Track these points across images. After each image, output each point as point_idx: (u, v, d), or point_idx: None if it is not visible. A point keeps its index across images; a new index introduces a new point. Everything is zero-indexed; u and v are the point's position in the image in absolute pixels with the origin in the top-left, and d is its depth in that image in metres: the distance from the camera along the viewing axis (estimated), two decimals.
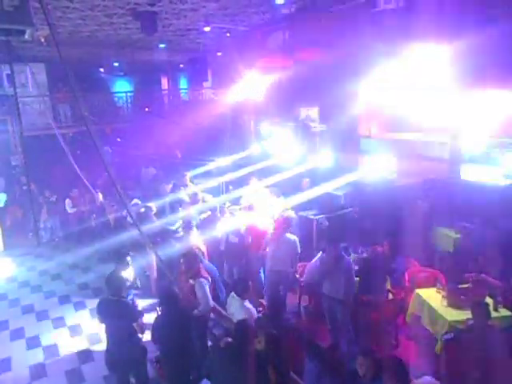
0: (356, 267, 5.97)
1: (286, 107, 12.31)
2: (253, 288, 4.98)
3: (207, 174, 11.23)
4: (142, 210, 8.07)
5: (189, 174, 10.27)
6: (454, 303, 5.20)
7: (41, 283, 8.25)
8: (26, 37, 4.82)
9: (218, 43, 13.26)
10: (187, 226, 7.00)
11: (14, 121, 11.22)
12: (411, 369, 4.97)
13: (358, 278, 5.91)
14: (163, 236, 7.57)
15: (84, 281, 8.17)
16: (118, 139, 17.36)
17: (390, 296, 5.91)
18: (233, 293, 4.80)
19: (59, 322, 6.78)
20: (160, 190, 10.12)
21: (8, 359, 5.85)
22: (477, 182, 7.34)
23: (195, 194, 8.87)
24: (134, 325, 4.40)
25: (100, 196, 9.43)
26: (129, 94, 16.77)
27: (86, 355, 5.87)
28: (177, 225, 7.80)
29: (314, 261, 5.93)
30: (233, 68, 13.54)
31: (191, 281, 4.94)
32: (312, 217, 7.64)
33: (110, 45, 13.03)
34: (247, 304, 4.63)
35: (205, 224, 7.54)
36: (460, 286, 5.52)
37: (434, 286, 5.68)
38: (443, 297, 5.33)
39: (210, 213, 8.03)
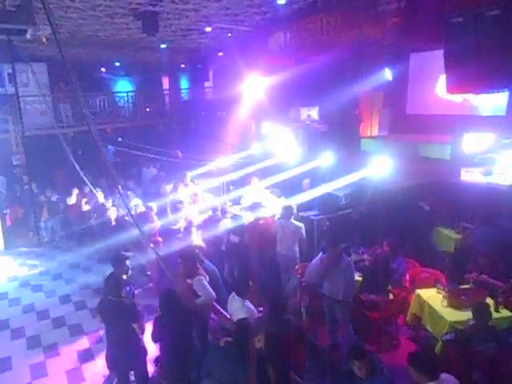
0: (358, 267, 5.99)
1: (287, 107, 12.34)
2: (253, 288, 4.97)
3: (208, 174, 11.24)
4: (143, 209, 8.08)
5: (190, 174, 10.28)
6: (454, 304, 5.19)
7: (41, 283, 8.26)
8: (28, 36, 4.83)
9: (219, 43, 13.28)
10: (188, 226, 7.01)
11: (15, 120, 11.23)
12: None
13: (359, 279, 5.93)
14: (164, 236, 7.59)
15: (85, 280, 8.18)
16: (120, 139, 17.40)
17: (391, 296, 5.91)
18: (233, 293, 4.81)
19: (60, 322, 6.79)
20: (161, 190, 10.13)
21: (8, 358, 5.86)
22: (477, 183, 7.34)
23: (196, 194, 8.88)
24: (134, 325, 4.40)
25: (101, 196, 9.44)
26: (130, 93, 16.78)
27: (86, 355, 5.88)
28: (178, 225, 7.82)
29: (314, 261, 5.94)
30: (234, 68, 13.56)
31: (189, 280, 4.95)
32: (313, 217, 7.64)
33: (112, 45, 13.06)
34: (248, 304, 4.63)
35: (205, 224, 7.55)
36: (461, 287, 5.52)
37: (434, 286, 5.66)
38: (444, 297, 5.32)
39: (210, 213, 8.04)
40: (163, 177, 11.81)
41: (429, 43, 7.44)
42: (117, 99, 16.58)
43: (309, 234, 7.14)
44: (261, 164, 10.39)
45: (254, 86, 12.43)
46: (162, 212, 8.21)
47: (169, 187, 10.07)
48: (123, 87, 19.27)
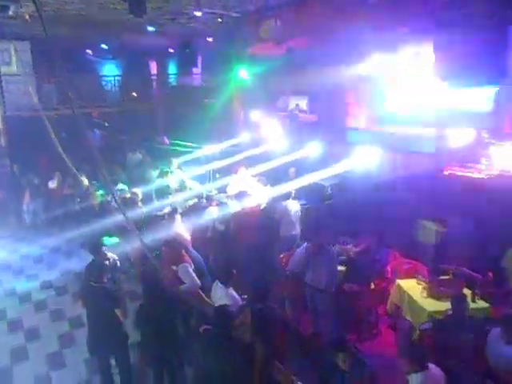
0: (341, 258, 6.06)
1: (276, 96, 12.27)
2: (237, 276, 4.98)
3: (195, 161, 11.16)
4: (128, 195, 8.01)
5: (176, 161, 10.20)
6: (433, 294, 5.30)
7: (23, 266, 8.16)
8: (11, 13, 4.68)
9: (208, 28, 13.07)
10: (173, 212, 6.97)
11: None
12: (390, 357, 5.12)
13: (343, 269, 6.00)
14: (149, 222, 7.54)
15: (67, 265, 8.09)
16: (106, 123, 17.13)
17: (372, 286, 6.00)
18: (217, 281, 4.82)
19: (41, 306, 6.74)
20: (146, 175, 10.04)
21: None
22: (460, 176, 7.46)
23: (182, 181, 8.83)
24: (117, 310, 4.39)
25: (85, 180, 9.31)
26: (117, 77, 16.47)
27: (67, 339, 5.86)
28: (163, 211, 7.77)
29: (299, 250, 5.99)
30: (223, 54, 13.41)
31: (174, 267, 4.94)
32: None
33: (98, 26, 12.74)
34: (231, 292, 4.65)
35: (191, 211, 7.52)
36: (440, 278, 5.64)
37: (415, 277, 5.78)
38: (423, 288, 5.43)
39: (196, 200, 8.01)
40: (149, 162, 11.69)
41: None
42: (103, 83, 16.26)
43: None
44: (248, 152, 10.37)
45: (243, 73, 12.32)
46: (147, 198, 8.16)
47: (155, 173, 9.99)
48: (110, 71, 18.88)
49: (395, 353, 5.26)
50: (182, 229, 6.61)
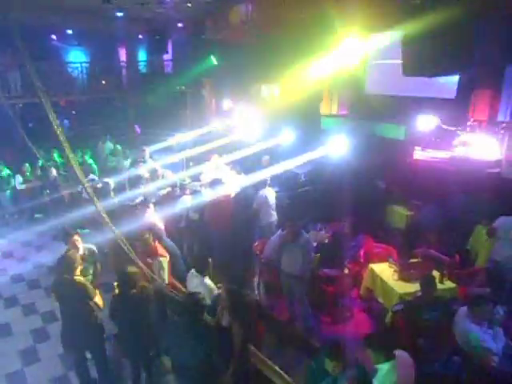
0: (315, 244, 6.15)
1: (248, 84, 12.20)
2: (212, 265, 5.00)
3: (167, 150, 11.01)
4: (100, 185, 7.85)
5: (148, 150, 10.03)
6: (404, 277, 5.48)
7: None
8: None
9: (178, 14, 12.79)
10: (144, 202, 6.88)
11: None
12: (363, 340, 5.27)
13: (317, 255, 6.10)
14: (122, 212, 7.42)
15: (38, 259, 7.88)
16: (73, 112, 16.61)
17: (346, 271, 6.14)
18: (193, 269, 4.82)
19: (12, 301, 6.56)
20: (118, 165, 9.85)
21: None
22: (428, 162, 7.69)
23: (155, 170, 8.70)
24: (91, 303, 4.33)
25: (53, 171, 9.05)
26: (84, 64, 15.93)
27: (40, 334, 5.75)
28: (136, 201, 7.66)
29: (273, 237, 6.04)
30: (194, 40, 13.18)
31: (149, 259, 4.91)
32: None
33: (64, 10, 12.24)
34: (207, 280, 4.66)
35: (164, 200, 7.45)
36: (410, 261, 5.83)
37: (387, 261, 5.94)
38: (395, 271, 5.60)
39: (169, 189, 7.93)
40: (120, 151, 11.45)
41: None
42: (70, 70, 15.70)
43: None
44: (221, 141, 10.30)
45: (215, 60, 12.17)
46: (119, 188, 8.01)
47: (126, 162, 9.80)
48: (77, 57, 18.23)
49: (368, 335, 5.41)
50: (155, 218, 6.55)
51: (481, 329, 4.05)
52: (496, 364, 3.96)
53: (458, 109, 7.93)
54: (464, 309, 4.24)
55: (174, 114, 13.58)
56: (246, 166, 8.81)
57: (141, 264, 4.49)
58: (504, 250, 5.59)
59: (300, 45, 8.68)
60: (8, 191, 9.96)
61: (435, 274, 5.30)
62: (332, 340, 4.03)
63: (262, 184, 7.42)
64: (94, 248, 5.42)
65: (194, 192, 7.60)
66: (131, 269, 4.31)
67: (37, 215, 9.46)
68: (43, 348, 5.48)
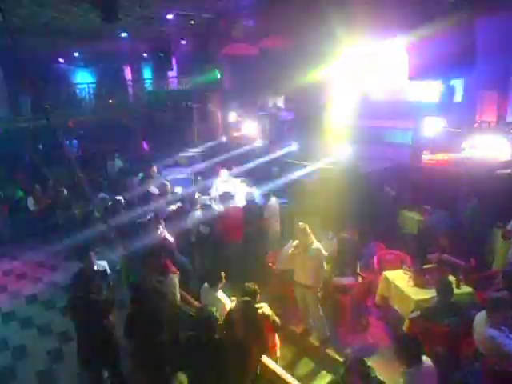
0: (327, 253, 6.09)
1: (253, 96, 12.30)
2: (225, 278, 4.97)
3: (175, 166, 11.08)
4: (110, 203, 7.91)
5: (156, 166, 10.10)
6: (419, 283, 5.40)
7: (6, 283, 7.95)
8: None
9: (181, 31, 13.00)
10: (156, 218, 6.91)
11: None
12: (382, 349, 5.18)
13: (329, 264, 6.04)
14: (133, 229, 7.45)
15: (52, 279, 7.93)
16: (82, 131, 16.86)
17: (360, 279, 6.07)
18: (205, 284, 4.81)
19: (27, 323, 6.59)
20: (128, 182, 9.92)
21: None
22: (437, 165, 7.63)
23: (164, 186, 8.75)
24: (105, 321, 4.33)
25: (64, 191, 9.14)
26: (91, 85, 16.22)
27: (56, 354, 5.75)
28: (147, 217, 7.69)
29: (285, 248, 6.01)
30: (197, 56, 13.35)
31: (161, 277, 4.92)
32: (282, 204, 7.75)
33: (70, 34, 12.52)
34: (220, 294, 4.64)
35: (174, 216, 7.47)
36: (425, 267, 5.75)
37: (400, 267, 5.87)
38: (409, 277, 5.53)
39: (179, 204, 7.96)
40: (129, 169, 11.55)
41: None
42: (77, 91, 15.99)
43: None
44: (229, 154, 10.36)
45: (219, 74, 12.29)
46: (130, 205, 8.06)
47: (136, 180, 9.87)
48: (83, 78, 18.58)
49: (386, 344, 5.32)
50: (166, 234, 6.57)
51: (502, 333, 3.96)
52: None
53: (463, 111, 7.90)
54: (483, 313, 4.15)
55: (181, 129, 13.68)
56: (256, 177, 8.85)
57: (152, 281, 4.51)
58: None
59: (303, 57, 8.75)
60: (22, 213, 10.10)
61: (451, 279, 5.22)
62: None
63: (269, 194, 7.58)
64: (107, 266, 5.44)
65: (205, 206, 7.61)
66: (145, 285, 4.32)
67: (49, 235, 9.52)
68: (60, 368, 5.46)
